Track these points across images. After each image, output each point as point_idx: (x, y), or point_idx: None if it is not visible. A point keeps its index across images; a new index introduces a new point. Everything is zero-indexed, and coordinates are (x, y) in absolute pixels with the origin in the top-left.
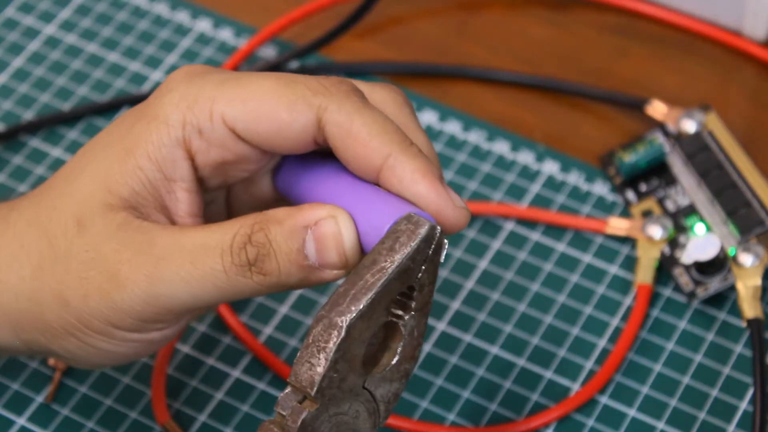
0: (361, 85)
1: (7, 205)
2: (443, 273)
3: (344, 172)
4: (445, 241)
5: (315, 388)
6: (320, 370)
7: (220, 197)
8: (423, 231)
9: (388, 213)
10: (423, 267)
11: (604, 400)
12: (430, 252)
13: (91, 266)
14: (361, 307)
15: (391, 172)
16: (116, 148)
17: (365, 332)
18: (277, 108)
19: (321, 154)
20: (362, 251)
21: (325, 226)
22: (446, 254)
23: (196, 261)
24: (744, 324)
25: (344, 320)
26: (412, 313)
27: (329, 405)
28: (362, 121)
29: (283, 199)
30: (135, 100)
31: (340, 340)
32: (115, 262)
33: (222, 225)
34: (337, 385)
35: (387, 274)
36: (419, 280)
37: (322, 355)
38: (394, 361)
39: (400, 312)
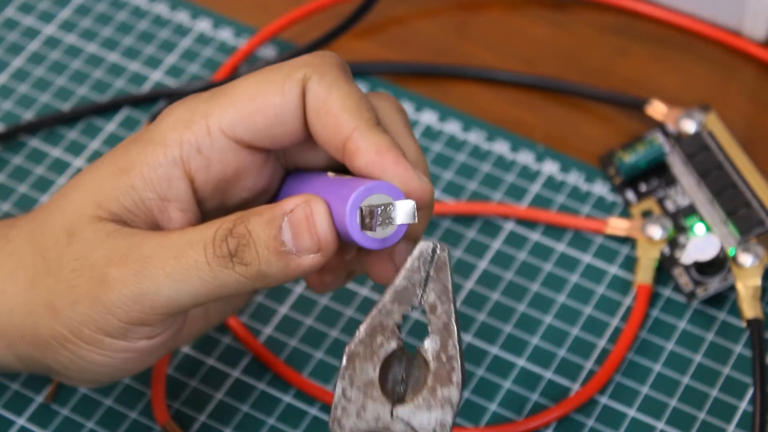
0: None
1: (7, 223)
2: None
3: (327, 176)
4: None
5: (330, 418)
6: (334, 399)
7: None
8: (416, 249)
9: (354, 188)
10: (425, 287)
11: (604, 400)
12: (429, 270)
13: (80, 273)
14: (358, 334)
15: (355, 146)
16: (110, 168)
17: (371, 358)
18: (268, 95)
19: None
20: (338, 235)
21: (298, 211)
22: (449, 257)
23: (180, 256)
24: (744, 324)
25: (345, 349)
26: (433, 336)
27: None
28: (338, 94)
29: None
30: (135, 101)
31: (341, 367)
32: (103, 266)
33: (207, 223)
34: (356, 413)
35: (382, 298)
36: (426, 302)
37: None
38: (424, 388)
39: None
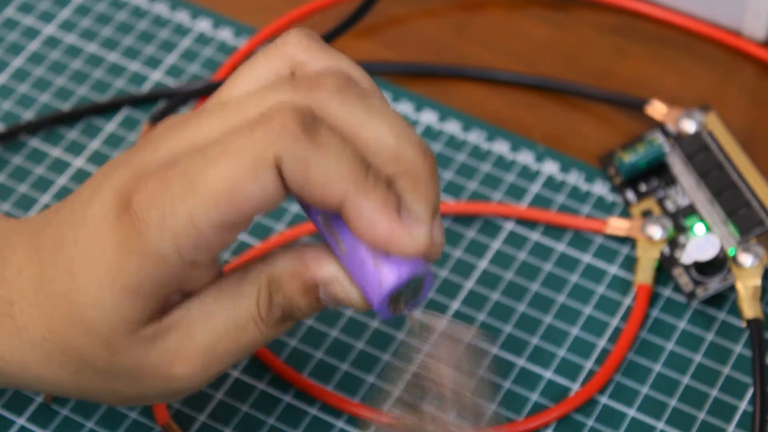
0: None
1: (5, 289)
2: (443, 273)
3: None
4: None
5: None
6: None
7: None
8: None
9: (373, 288)
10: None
11: (603, 400)
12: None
13: (140, 376)
14: None
15: (348, 216)
16: (112, 287)
17: None
18: (245, 187)
19: None
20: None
21: (333, 286)
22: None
23: (239, 339)
24: (744, 324)
25: None
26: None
27: None
28: (317, 167)
29: None
30: (135, 101)
31: None
32: (165, 367)
33: (239, 293)
34: None
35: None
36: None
37: None
38: None
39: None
